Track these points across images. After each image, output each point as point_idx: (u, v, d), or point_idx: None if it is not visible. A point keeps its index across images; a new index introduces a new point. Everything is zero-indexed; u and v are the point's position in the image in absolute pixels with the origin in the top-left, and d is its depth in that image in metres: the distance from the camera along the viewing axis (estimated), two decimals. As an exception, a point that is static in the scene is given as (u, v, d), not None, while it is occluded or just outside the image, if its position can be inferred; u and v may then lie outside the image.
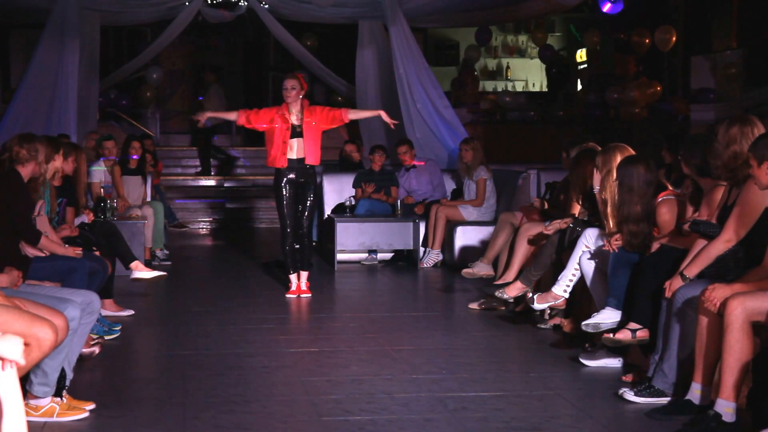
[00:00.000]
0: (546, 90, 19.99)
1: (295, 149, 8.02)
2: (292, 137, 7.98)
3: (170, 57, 19.52)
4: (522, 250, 7.10)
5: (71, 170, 7.22)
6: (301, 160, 8.04)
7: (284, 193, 8.07)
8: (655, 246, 5.38)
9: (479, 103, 17.49)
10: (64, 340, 4.32)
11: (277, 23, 14.03)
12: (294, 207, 8.10)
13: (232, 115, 8.29)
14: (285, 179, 8.05)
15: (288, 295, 8.11)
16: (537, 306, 6.27)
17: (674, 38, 16.03)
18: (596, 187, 5.88)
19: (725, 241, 4.72)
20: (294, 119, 7.98)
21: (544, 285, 6.54)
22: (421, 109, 12.99)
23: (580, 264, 5.96)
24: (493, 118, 17.14)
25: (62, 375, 4.64)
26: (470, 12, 15.10)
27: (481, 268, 7.98)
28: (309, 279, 8.26)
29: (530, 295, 6.38)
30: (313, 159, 8.07)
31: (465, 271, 8.04)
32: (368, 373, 5.50)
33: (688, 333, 4.72)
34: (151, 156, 11.54)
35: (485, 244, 8.46)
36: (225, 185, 15.64)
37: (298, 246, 8.15)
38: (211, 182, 15.76)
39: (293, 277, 8.20)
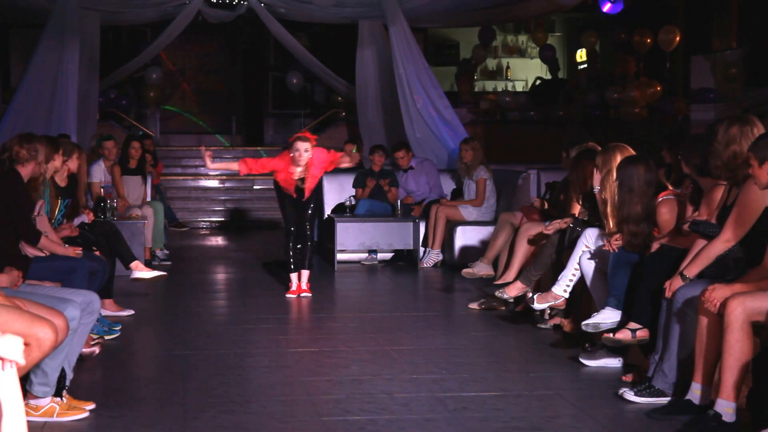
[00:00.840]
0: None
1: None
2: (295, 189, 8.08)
3: (170, 57, 19.52)
4: (522, 250, 7.10)
5: (76, 168, 7.23)
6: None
7: (284, 194, 8.12)
8: (655, 246, 5.38)
9: (479, 103, 17.50)
10: (64, 340, 4.32)
11: (277, 23, 14.04)
12: (296, 207, 8.14)
13: (234, 166, 8.07)
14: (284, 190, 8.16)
15: (288, 295, 8.11)
16: (537, 306, 6.27)
17: (678, 38, 16.02)
18: (596, 187, 5.88)
19: (725, 241, 4.72)
20: (297, 176, 8.00)
21: (544, 285, 6.54)
22: (421, 109, 12.99)
23: (580, 264, 5.96)
24: (493, 118, 17.13)
25: (62, 375, 4.64)
26: (470, 12, 15.10)
27: (481, 268, 7.98)
28: (309, 279, 8.26)
29: (530, 295, 6.38)
30: (312, 191, 8.11)
31: (465, 271, 8.05)
32: (368, 373, 5.50)
33: (688, 333, 4.72)
34: (151, 156, 11.54)
35: (485, 244, 8.46)
36: (226, 185, 15.64)
37: (299, 246, 8.18)
38: (212, 182, 15.76)
39: (294, 276, 8.20)
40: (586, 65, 20.09)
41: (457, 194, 10.54)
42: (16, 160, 5.52)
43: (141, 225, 9.39)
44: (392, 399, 4.96)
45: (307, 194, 8.05)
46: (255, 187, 15.42)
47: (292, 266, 8.20)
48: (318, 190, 8.26)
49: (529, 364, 5.87)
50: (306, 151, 7.85)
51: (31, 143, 5.57)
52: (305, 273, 8.22)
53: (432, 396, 5.04)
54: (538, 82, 19.00)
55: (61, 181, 7.01)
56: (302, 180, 7.99)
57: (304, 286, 8.18)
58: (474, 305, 7.55)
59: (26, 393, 4.44)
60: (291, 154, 7.87)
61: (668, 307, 4.87)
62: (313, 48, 16.10)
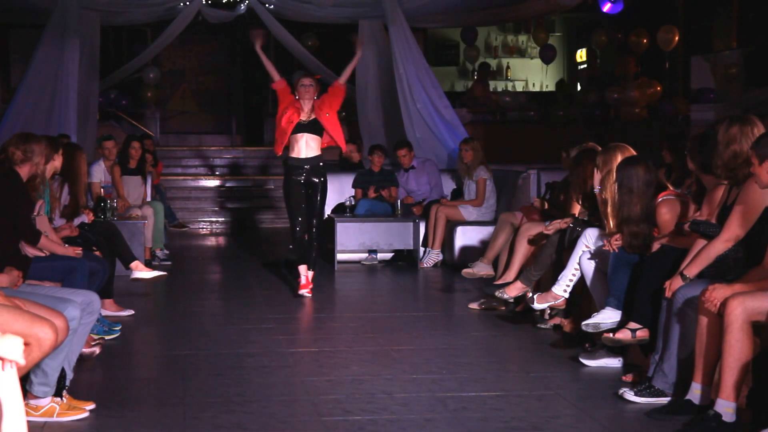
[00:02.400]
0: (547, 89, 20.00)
1: (303, 147, 8.01)
2: (295, 132, 7.98)
3: (170, 57, 19.52)
4: (522, 250, 7.09)
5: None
6: (310, 159, 8.02)
7: (294, 190, 8.05)
8: (656, 246, 5.38)
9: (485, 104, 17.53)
10: (65, 340, 4.32)
11: (278, 23, 14.04)
12: (304, 203, 8.07)
13: (275, 74, 8.24)
14: (294, 179, 8.04)
15: (302, 291, 7.98)
16: (537, 306, 6.27)
17: (677, 38, 16.02)
18: (597, 187, 5.88)
19: (725, 241, 4.72)
20: (303, 116, 7.99)
21: (544, 285, 6.54)
22: (421, 109, 12.98)
23: (580, 264, 5.96)
24: (493, 118, 17.14)
25: (62, 375, 4.64)
26: (470, 12, 15.10)
27: (481, 268, 7.98)
28: (310, 279, 8.21)
29: (530, 295, 6.38)
30: (341, 143, 8.21)
31: (465, 271, 8.04)
32: (368, 373, 5.50)
33: (688, 333, 4.72)
34: (151, 156, 11.54)
35: (485, 244, 8.46)
36: (226, 185, 15.64)
37: (306, 242, 8.12)
38: (212, 182, 15.76)
39: (302, 268, 8.06)
40: (585, 65, 20.09)
41: (457, 194, 10.54)
42: (12, 161, 5.51)
43: (141, 225, 9.39)
44: (392, 399, 4.96)
45: (330, 130, 8.01)
46: (255, 187, 15.42)
47: (301, 259, 8.05)
48: (323, 187, 8.17)
49: (529, 364, 5.86)
50: (311, 85, 7.99)
51: (27, 144, 5.55)
52: (310, 273, 8.14)
53: (432, 396, 5.04)
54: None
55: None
56: (306, 122, 7.97)
57: (310, 278, 8.09)
58: (474, 305, 7.55)
59: (26, 393, 4.44)
60: (297, 91, 8.00)
61: (668, 307, 4.87)
62: (321, 48, 16.09)
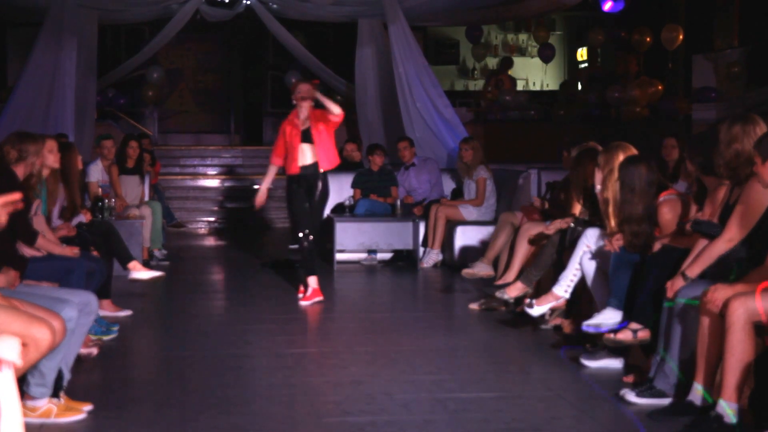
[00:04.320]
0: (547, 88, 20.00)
1: (307, 155, 7.88)
2: (302, 142, 7.86)
3: (168, 56, 19.48)
4: (522, 250, 7.08)
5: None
6: (307, 167, 7.87)
7: (296, 200, 7.91)
8: (657, 246, 5.36)
9: (479, 102, 17.50)
10: (62, 340, 4.30)
11: (276, 22, 14.03)
12: (308, 211, 7.96)
13: (272, 171, 8.08)
14: (295, 189, 7.89)
15: (304, 302, 7.79)
16: (536, 311, 6.17)
17: (681, 37, 15.99)
18: (598, 186, 5.86)
19: (727, 241, 4.70)
20: (302, 125, 7.89)
21: (545, 285, 6.51)
22: (420, 108, 12.97)
23: (581, 264, 5.93)
24: (494, 118, 17.13)
25: (60, 376, 4.62)
26: (470, 10, 15.08)
27: (482, 269, 7.96)
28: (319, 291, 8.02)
29: (528, 300, 6.31)
30: (327, 164, 7.90)
31: (465, 271, 8.03)
32: (368, 374, 5.48)
33: (690, 333, 4.70)
34: (149, 156, 11.51)
35: (485, 244, 8.44)
36: (224, 185, 15.62)
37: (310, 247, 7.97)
38: (210, 182, 15.73)
39: (313, 279, 7.85)
40: (586, 64, 20.08)
41: (457, 194, 10.52)
42: (7, 161, 5.48)
43: (139, 225, 9.36)
44: (392, 400, 4.94)
45: (316, 144, 7.84)
46: (254, 186, 15.39)
47: (310, 270, 7.84)
48: (322, 192, 8.06)
49: (530, 364, 5.85)
50: (307, 92, 7.82)
51: (23, 143, 5.53)
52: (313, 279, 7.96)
53: (432, 397, 5.01)
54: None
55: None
56: (308, 130, 7.84)
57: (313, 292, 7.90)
58: (474, 306, 7.52)
59: (23, 394, 4.42)
60: (294, 97, 7.83)
61: (670, 308, 4.85)
62: (311, 47, 16.10)
